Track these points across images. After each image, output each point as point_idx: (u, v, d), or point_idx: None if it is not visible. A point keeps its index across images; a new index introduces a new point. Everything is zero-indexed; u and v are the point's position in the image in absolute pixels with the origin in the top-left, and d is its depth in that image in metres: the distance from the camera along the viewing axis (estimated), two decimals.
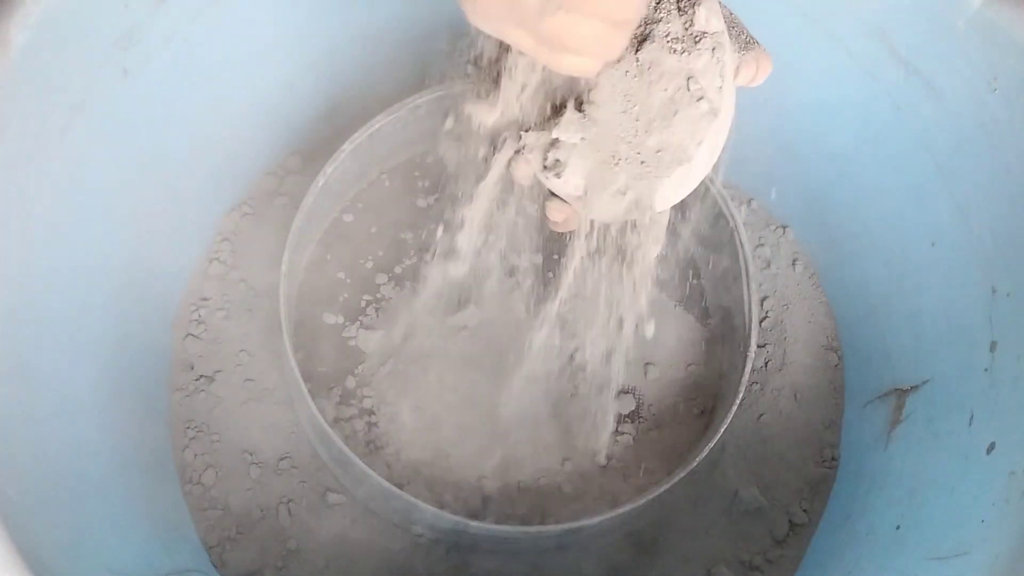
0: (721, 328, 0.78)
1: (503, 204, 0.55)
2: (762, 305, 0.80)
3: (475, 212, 0.55)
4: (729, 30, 0.46)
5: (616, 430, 0.74)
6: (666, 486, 0.65)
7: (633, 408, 0.75)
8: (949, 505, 0.62)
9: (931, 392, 0.70)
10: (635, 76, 0.42)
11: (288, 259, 0.67)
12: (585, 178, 0.45)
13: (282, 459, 0.71)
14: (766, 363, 0.79)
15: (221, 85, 0.70)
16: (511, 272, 0.75)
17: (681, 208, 0.80)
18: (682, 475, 0.65)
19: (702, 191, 0.75)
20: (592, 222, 0.50)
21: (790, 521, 0.74)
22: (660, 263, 0.79)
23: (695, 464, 0.66)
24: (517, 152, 0.46)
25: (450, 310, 0.74)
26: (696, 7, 0.43)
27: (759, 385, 0.78)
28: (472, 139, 0.49)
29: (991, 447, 0.60)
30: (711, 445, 0.66)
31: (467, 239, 0.59)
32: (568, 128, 0.44)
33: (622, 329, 0.62)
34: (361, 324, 0.74)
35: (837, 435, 0.78)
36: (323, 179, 0.69)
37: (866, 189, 0.75)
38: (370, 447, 0.71)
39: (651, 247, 0.51)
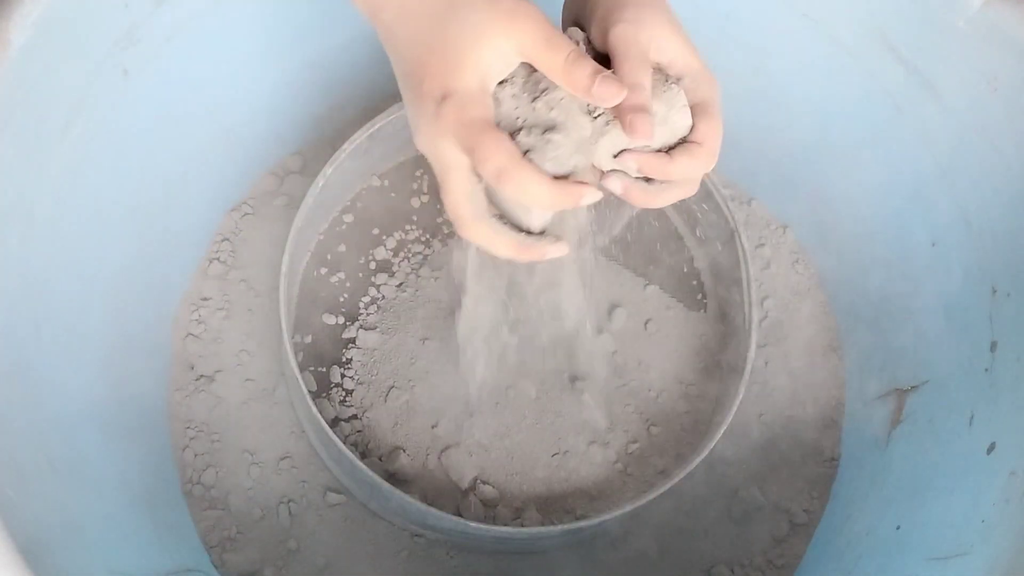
0: (721, 328, 0.78)
1: None
2: (762, 305, 0.80)
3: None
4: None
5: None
6: (666, 486, 0.65)
7: (633, 408, 0.75)
8: (949, 505, 0.62)
9: (931, 392, 0.70)
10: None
11: (288, 259, 0.67)
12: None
13: (282, 459, 0.71)
14: (766, 363, 0.79)
15: (221, 85, 0.70)
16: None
17: (682, 208, 0.80)
18: (682, 475, 0.65)
19: (702, 191, 0.75)
20: None
21: (790, 521, 0.74)
22: (660, 262, 0.79)
23: (695, 464, 0.66)
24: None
25: (451, 310, 0.74)
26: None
27: (759, 385, 0.78)
28: None
29: (991, 447, 0.60)
30: (711, 445, 0.66)
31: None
32: None
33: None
34: (361, 324, 0.74)
35: (837, 435, 0.78)
36: (323, 179, 0.69)
37: (866, 189, 0.75)
38: (370, 447, 0.71)
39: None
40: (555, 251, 0.46)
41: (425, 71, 0.42)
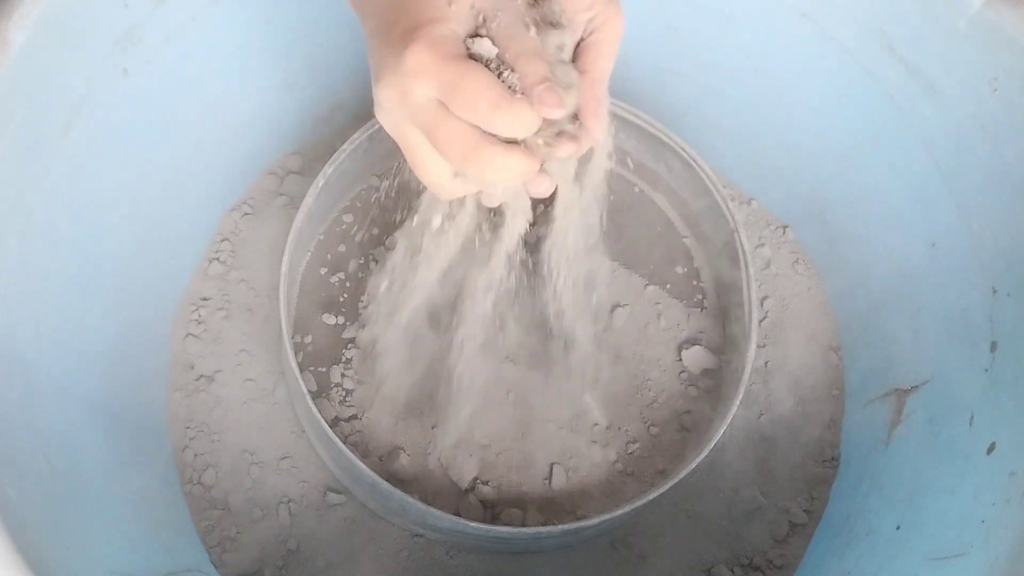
0: (721, 328, 0.78)
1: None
2: (762, 305, 0.80)
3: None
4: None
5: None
6: (666, 486, 0.65)
7: (633, 408, 0.75)
8: (949, 505, 0.62)
9: (931, 392, 0.70)
10: None
11: (288, 259, 0.67)
12: None
13: (282, 459, 0.71)
14: (766, 363, 0.79)
15: (221, 85, 0.70)
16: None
17: (683, 208, 0.80)
18: (682, 475, 0.65)
19: (702, 190, 0.75)
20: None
21: (790, 521, 0.74)
22: (660, 262, 0.79)
23: (695, 465, 0.66)
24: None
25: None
26: None
27: (759, 385, 0.78)
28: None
29: (991, 447, 0.60)
30: (711, 445, 0.66)
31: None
32: None
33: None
34: (361, 324, 0.74)
35: (837, 435, 0.78)
36: (323, 179, 0.69)
37: (866, 189, 0.75)
38: (370, 447, 0.71)
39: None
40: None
41: (398, 15, 0.40)
